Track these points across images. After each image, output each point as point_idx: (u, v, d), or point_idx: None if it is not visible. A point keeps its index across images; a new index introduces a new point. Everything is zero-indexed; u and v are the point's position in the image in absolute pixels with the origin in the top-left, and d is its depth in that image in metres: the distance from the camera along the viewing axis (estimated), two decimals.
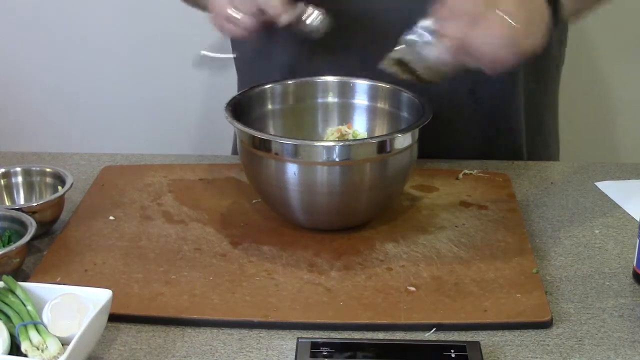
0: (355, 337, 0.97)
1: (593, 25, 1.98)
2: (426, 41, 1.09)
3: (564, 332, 0.99)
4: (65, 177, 1.21)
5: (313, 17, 1.18)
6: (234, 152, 1.52)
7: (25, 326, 0.90)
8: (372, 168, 1.12)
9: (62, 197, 1.18)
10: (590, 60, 2.08)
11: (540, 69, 1.43)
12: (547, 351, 0.96)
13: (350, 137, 1.24)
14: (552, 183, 1.34)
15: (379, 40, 1.24)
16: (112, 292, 0.94)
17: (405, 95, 1.22)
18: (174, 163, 1.38)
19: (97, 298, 0.93)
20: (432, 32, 1.09)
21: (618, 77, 2.13)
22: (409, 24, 1.13)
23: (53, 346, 0.89)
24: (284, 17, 1.16)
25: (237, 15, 1.17)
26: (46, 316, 0.92)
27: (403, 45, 1.12)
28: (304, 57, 1.35)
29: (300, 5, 1.18)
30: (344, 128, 1.25)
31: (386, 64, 1.15)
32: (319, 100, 1.28)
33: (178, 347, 0.96)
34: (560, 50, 1.47)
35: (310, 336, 0.97)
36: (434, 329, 0.98)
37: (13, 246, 1.05)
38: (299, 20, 1.18)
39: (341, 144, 1.11)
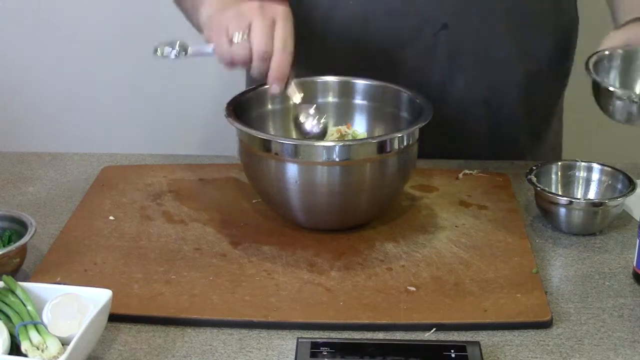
0: (355, 337, 0.97)
1: (598, 27, 1.97)
2: None
3: (564, 332, 0.99)
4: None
5: (311, 121, 1.17)
6: None
7: (25, 326, 0.90)
8: (372, 168, 1.12)
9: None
10: None
11: (550, 76, 1.44)
12: (547, 351, 0.96)
13: (350, 137, 1.23)
14: None
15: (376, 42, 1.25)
16: (112, 292, 0.94)
17: (405, 95, 1.22)
18: (174, 163, 1.38)
19: (97, 298, 0.93)
20: None
21: None
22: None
23: (53, 346, 0.89)
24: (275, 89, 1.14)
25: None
26: (46, 316, 0.92)
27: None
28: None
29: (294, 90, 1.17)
30: (344, 128, 1.25)
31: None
32: (319, 100, 1.28)
33: (178, 347, 0.96)
34: (567, 62, 1.47)
35: (310, 336, 0.97)
36: (434, 329, 0.98)
37: (13, 246, 1.05)
38: (295, 119, 1.18)
39: (341, 144, 1.10)
